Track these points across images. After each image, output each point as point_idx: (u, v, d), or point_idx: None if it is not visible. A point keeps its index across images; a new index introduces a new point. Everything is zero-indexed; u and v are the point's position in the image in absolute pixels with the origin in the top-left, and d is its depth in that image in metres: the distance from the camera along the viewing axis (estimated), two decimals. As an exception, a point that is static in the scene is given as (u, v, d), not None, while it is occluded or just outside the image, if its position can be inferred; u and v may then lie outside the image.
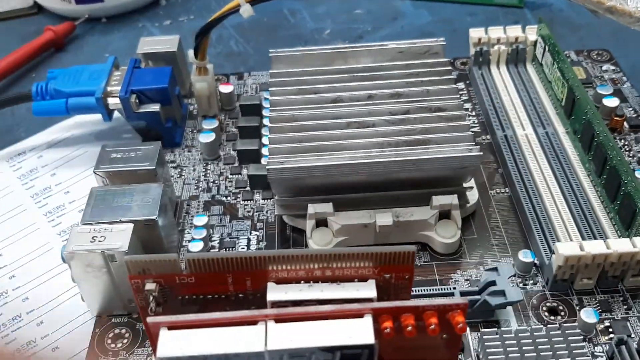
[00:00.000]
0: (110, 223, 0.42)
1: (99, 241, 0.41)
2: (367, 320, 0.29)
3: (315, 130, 0.46)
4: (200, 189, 0.53)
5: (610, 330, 0.41)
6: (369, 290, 0.33)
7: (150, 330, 0.30)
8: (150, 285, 0.33)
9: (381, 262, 0.33)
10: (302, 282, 0.33)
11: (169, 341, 0.29)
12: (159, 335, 0.29)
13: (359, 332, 0.29)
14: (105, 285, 0.42)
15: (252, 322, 0.30)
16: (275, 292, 0.33)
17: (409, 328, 0.29)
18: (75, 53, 0.72)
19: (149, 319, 0.30)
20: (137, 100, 0.54)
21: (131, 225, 0.42)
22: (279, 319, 0.30)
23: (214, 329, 0.29)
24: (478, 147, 0.44)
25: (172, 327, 0.30)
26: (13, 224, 0.53)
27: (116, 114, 0.57)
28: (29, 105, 0.58)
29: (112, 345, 0.43)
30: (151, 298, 0.33)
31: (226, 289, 0.34)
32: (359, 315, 0.30)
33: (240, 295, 0.34)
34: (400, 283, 0.34)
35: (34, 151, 0.59)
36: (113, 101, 0.54)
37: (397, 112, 0.47)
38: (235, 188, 0.53)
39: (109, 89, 0.54)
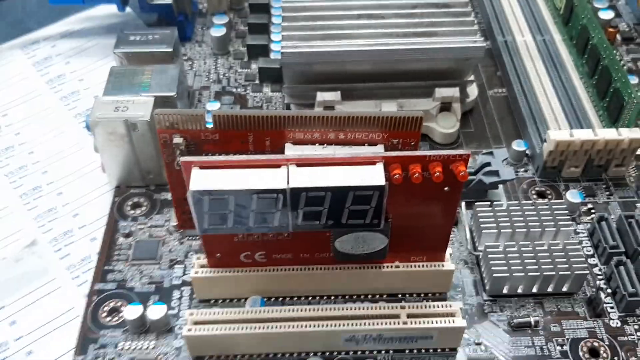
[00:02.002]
0: (132, 96, 0.44)
1: (122, 111, 0.43)
2: (379, 167, 0.32)
3: (327, 20, 0.49)
4: (210, 80, 0.55)
5: (593, 211, 0.45)
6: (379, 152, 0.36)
7: (184, 169, 0.33)
8: (177, 140, 0.35)
9: (390, 126, 0.35)
10: (317, 144, 0.36)
11: (200, 178, 0.32)
12: (191, 173, 0.32)
13: (372, 175, 0.32)
14: (126, 155, 0.45)
15: (276, 165, 0.33)
16: (292, 151, 0.36)
17: (416, 175, 0.32)
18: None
19: (183, 158, 0.32)
20: (152, -8, 0.56)
21: (152, 98, 0.44)
22: (300, 164, 0.33)
23: (241, 169, 0.32)
24: (482, 39, 0.47)
25: (203, 166, 0.32)
26: (29, 107, 0.55)
27: (128, 9, 0.59)
28: (39, -2, 0.59)
29: (132, 212, 0.46)
30: (178, 152, 0.36)
31: (247, 147, 0.36)
32: (372, 162, 0.33)
33: (260, 154, 0.37)
34: (407, 149, 0.36)
35: (48, 41, 0.61)
36: (128, -9, 0.56)
37: (405, 7, 0.49)
38: (245, 81, 0.55)
39: (124, -22, 0.56)
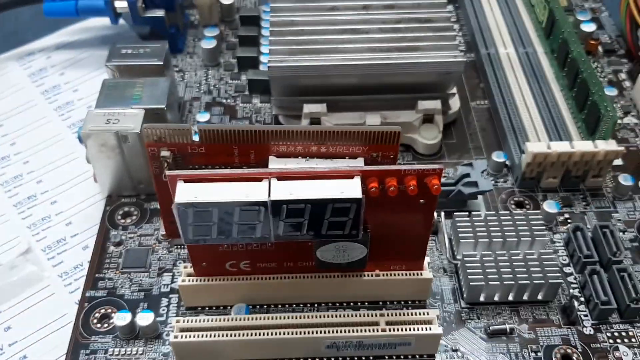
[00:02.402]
0: (123, 109, 0.46)
1: (113, 123, 0.45)
2: (356, 180, 0.34)
3: (313, 35, 0.50)
4: (201, 91, 0.57)
5: (569, 221, 0.47)
6: (357, 165, 0.37)
7: (169, 182, 0.34)
8: (165, 153, 0.37)
9: (370, 140, 0.37)
10: (300, 157, 0.38)
11: (185, 191, 0.33)
12: (176, 186, 0.34)
13: (349, 188, 0.33)
14: (117, 165, 0.46)
15: (258, 179, 0.34)
16: (275, 164, 0.37)
17: (392, 188, 0.34)
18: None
19: (168, 172, 0.34)
20: (144, 5, 0.57)
21: (143, 111, 0.45)
22: (280, 177, 0.34)
23: (224, 182, 0.34)
24: (462, 54, 0.48)
25: (187, 180, 0.34)
26: (25, 117, 0.57)
27: (121, 21, 0.60)
28: (34, 9, 0.61)
29: (122, 221, 0.47)
30: (165, 165, 0.37)
31: (232, 160, 0.38)
32: (349, 176, 0.34)
33: (244, 167, 0.38)
34: (386, 162, 0.38)
35: (43, 52, 0.62)
36: (120, 4, 0.57)
37: (389, 22, 0.51)
38: (235, 92, 0.57)
39: (117, -8, 0.57)
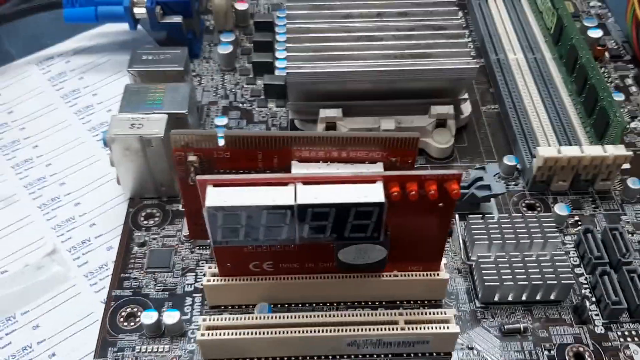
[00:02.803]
0: (146, 114, 0.47)
1: (137, 127, 0.46)
2: (379, 185, 0.35)
3: (328, 42, 0.51)
4: (218, 95, 0.58)
5: (579, 223, 0.48)
6: (377, 170, 0.39)
7: (199, 187, 0.35)
8: (192, 157, 0.38)
9: (389, 146, 0.38)
10: (321, 162, 0.39)
11: (215, 195, 0.35)
12: (206, 190, 0.35)
13: (372, 193, 0.35)
14: (141, 168, 0.48)
15: (284, 183, 0.35)
16: (298, 169, 0.38)
17: (413, 193, 0.35)
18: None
19: (199, 177, 0.35)
20: (162, 11, 0.59)
21: (166, 116, 0.47)
22: (306, 182, 0.35)
23: (252, 187, 0.35)
24: (475, 60, 0.50)
25: (217, 184, 0.35)
26: (46, 121, 0.58)
27: (139, 27, 0.62)
28: (53, 14, 0.62)
29: (145, 222, 0.48)
30: (192, 169, 0.39)
31: (256, 165, 0.39)
32: (372, 181, 0.36)
33: (268, 171, 0.39)
34: (404, 166, 0.39)
35: (62, 57, 0.63)
36: (139, 11, 0.58)
37: (403, 29, 0.52)
38: (251, 96, 0.58)
39: (135, -1, 0.59)
